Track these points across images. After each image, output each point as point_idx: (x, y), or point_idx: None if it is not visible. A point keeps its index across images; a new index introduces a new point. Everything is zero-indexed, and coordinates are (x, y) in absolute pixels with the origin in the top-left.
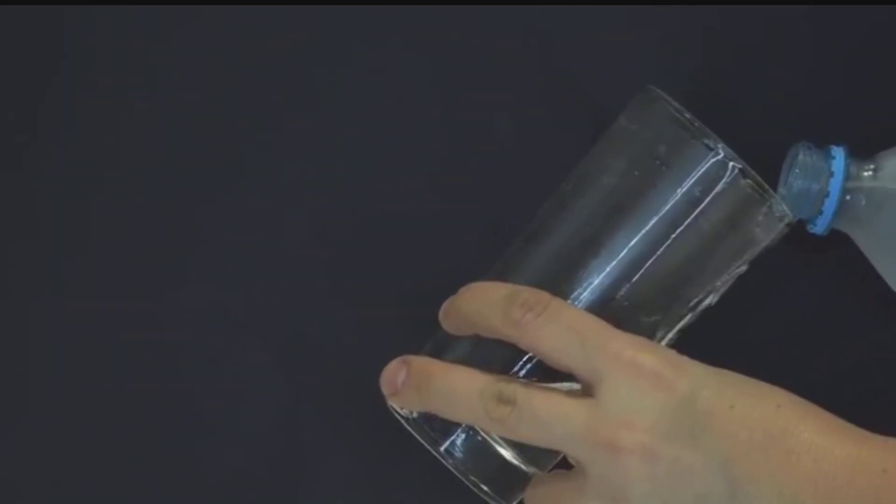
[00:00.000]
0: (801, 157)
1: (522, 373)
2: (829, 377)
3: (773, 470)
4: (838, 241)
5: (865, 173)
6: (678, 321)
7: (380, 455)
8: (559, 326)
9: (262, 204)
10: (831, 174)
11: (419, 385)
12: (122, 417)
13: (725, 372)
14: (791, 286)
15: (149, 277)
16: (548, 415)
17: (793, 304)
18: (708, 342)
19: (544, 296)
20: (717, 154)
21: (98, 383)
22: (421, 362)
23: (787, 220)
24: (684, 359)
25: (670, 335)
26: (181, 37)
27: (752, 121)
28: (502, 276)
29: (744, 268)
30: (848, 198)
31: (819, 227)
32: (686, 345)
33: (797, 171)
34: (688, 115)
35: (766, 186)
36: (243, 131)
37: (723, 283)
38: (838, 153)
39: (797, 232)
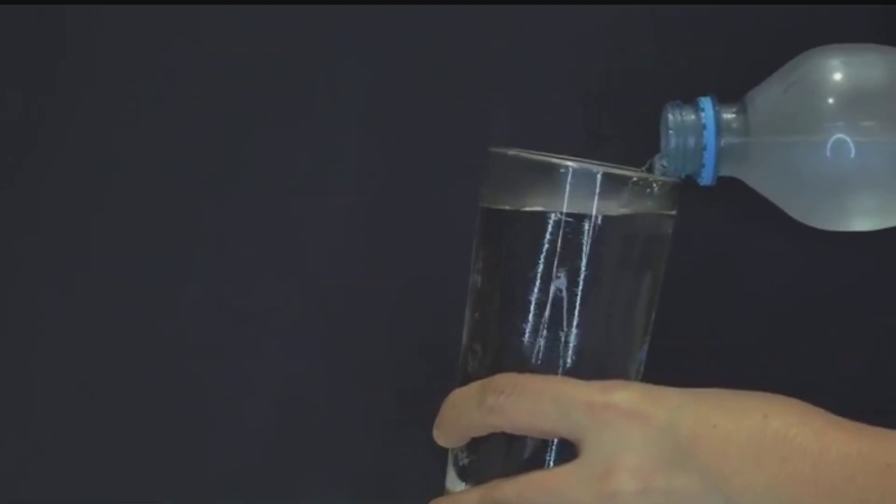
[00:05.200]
0: (670, 116)
1: (524, 457)
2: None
3: (769, 480)
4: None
5: (735, 116)
6: (643, 332)
7: (381, 450)
8: (530, 397)
9: (263, 201)
10: (703, 127)
11: None
12: (124, 412)
13: (704, 392)
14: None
15: (150, 275)
16: (544, 500)
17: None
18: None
19: (512, 376)
20: (577, 171)
21: (100, 380)
22: None
23: (672, 182)
24: (658, 388)
25: (641, 354)
26: (182, 36)
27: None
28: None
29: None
30: (723, 144)
31: (706, 179)
32: (655, 355)
33: (670, 131)
34: (533, 156)
35: (636, 169)
36: (244, 131)
37: (660, 278)
38: (706, 104)
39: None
